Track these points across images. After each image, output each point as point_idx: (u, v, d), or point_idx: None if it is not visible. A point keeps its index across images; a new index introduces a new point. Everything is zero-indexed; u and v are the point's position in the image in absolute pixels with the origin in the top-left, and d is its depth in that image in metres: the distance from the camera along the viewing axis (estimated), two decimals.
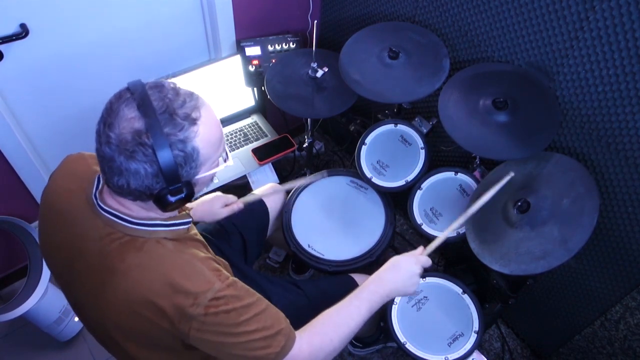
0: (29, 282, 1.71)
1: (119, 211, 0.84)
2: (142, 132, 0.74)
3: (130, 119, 0.75)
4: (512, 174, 1.19)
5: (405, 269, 1.10)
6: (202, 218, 1.31)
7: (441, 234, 1.21)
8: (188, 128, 0.77)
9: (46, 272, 1.71)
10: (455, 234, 1.35)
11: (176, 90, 0.79)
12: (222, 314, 0.82)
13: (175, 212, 0.92)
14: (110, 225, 0.85)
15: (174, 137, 0.76)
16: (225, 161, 0.91)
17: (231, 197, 1.36)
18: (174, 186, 0.79)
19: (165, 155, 0.75)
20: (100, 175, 0.89)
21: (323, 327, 0.98)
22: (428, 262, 1.14)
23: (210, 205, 1.31)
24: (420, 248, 1.17)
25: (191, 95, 0.81)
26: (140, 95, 0.76)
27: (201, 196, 1.35)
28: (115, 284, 0.83)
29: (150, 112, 0.75)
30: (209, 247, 1.00)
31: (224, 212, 1.32)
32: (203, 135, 0.79)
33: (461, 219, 1.19)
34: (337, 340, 0.97)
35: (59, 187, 0.95)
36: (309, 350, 0.93)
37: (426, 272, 1.35)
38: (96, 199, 0.86)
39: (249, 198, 1.39)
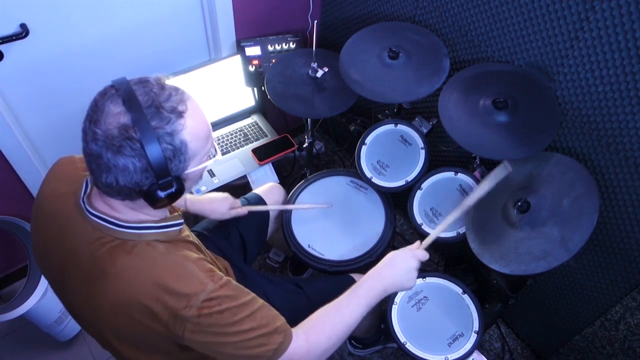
0: (29, 282, 1.71)
1: (108, 215, 0.84)
2: (128, 127, 0.73)
3: (116, 114, 0.74)
4: (509, 168, 1.17)
5: (402, 263, 1.10)
6: (209, 215, 1.36)
7: (436, 229, 1.21)
8: (175, 121, 0.77)
9: None
10: (455, 234, 1.35)
11: (161, 85, 0.79)
12: (215, 314, 0.82)
13: (166, 213, 0.91)
14: (99, 230, 0.84)
15: (161, 130, 0.75)
16: (213, 156, 0.90)
17: (238, 202, 1.43)
18: (164, 180, 0.78)
19: (153, 149, 0.74)
20: (89, 178, 0.88)
21: (321, 325, 0.98)
22: (425, 256, 1.13)
23: (220, 204, 1.37)
24: (417, 242, 1.17)
25: (176, 89, 0.80)
26: (125, 91, 0.75)
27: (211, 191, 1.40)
28: (107, 287, 0.82)
29: (136, 106, 0.74)
30: (203, 248, 1.00)
31: (231, 214, 1.38)
32: (190, 128, 0.79)
33: (456, 213, 1.18)
34: (335, 337, 0.97)
35: (50, 190, 0.94)
36: (307, 347, 0.92)
37: (426, 272, 1.35)
38: (84, 203, 0.86)
39: (253, 208, 1.46)
